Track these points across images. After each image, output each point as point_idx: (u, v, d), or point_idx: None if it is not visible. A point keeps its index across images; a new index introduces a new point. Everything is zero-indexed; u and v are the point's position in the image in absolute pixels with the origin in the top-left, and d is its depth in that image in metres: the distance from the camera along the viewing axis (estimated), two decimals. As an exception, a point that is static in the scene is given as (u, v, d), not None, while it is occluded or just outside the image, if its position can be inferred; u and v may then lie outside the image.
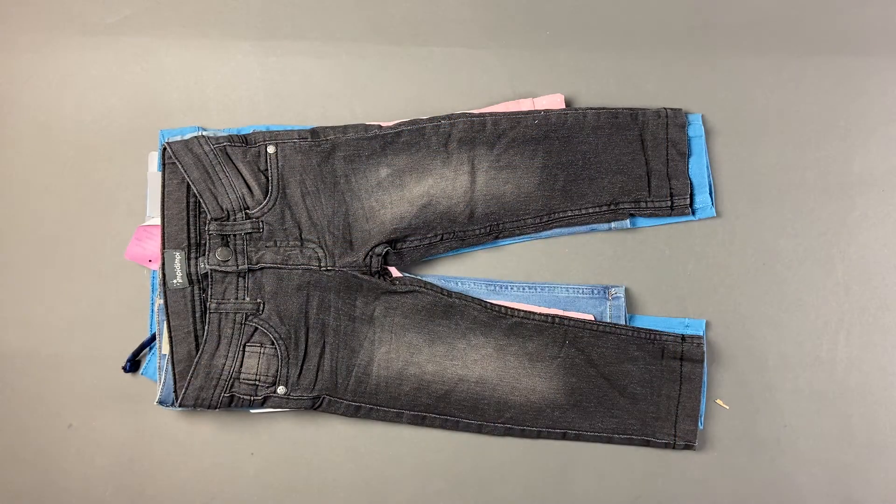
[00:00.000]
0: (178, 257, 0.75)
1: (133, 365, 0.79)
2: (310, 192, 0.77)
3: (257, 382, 0.75)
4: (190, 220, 0.76)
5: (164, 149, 0.75)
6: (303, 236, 0.77)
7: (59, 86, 0.82)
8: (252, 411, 0.78)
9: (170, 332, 0.75)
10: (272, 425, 0.78)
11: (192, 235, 0.76)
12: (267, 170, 0.76)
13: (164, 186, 0.76)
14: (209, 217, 0.75)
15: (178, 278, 0.75)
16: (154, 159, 0.80)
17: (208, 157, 0.75)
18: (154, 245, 0.78)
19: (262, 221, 0.76)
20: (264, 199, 0.76)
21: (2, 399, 0.80)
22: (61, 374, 0.80)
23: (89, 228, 0.81)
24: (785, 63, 0.81)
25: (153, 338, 0.78)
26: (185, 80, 0.82)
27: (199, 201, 0.75)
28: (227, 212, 0.76)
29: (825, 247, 0.80)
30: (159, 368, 0.77)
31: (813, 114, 0.81)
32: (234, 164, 0.76)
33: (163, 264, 0.75)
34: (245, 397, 0.75)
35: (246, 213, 0.76)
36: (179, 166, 0.75)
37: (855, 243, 0.80)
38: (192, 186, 0.75)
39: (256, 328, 0.76)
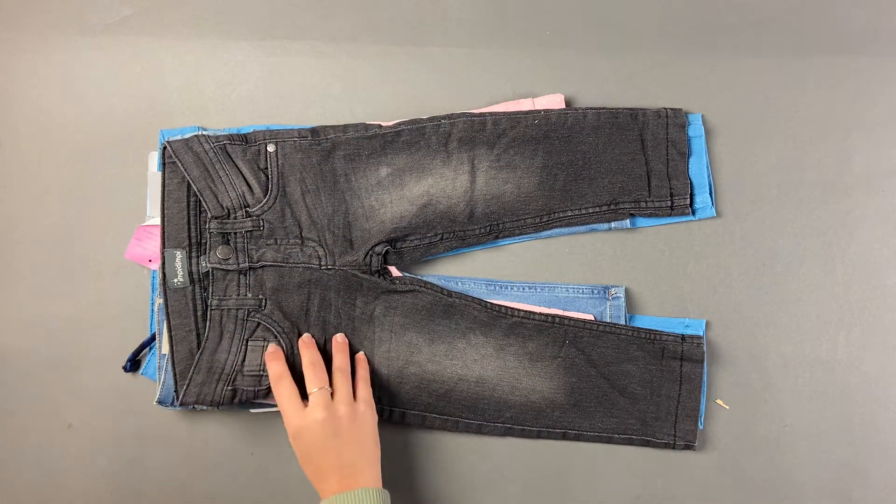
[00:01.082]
0: (178, 256, 0.75)
1: (133, 365, 0.79)
2: (310, 191, 0.77)
3: (261, 373, 0.75)
4: (190, 219, 0.76)
5: (164, 148, 0.75)
6: (303, 234, 0.77)
7: (59, 86, 0.82)
8: (252, 411, 0.78)
9: (170, 331, 0.75)
10: (272, 425, 0.78)
11: (193, 234, 0.76)
12: (267, 168, 0.76)
13: (164, 186, 0.76)
14: (209, 215, 0.75)
15: (180, 277, 0.75)
16: (154, 159, 0.80)
17: (208, 155, 0.75)
18: (154, 245, 0.78)
19: (262, 219, 0.76)
20: (264, 197, 0.76)
21: (2, 399, 0.80)
22: (61, 374, 0.80)
23: (89, 228, 0.81)
24: (785, 63, 0.81)
25: (153, 338, 0.78)
26: (185, 80, 0.82)
27: (200, 200, 0.75)
28: (228, 210, 0.76)
29: (825, 247, 0.80)
30: (159, 368, 0.77)
31: (813, 114, 0.81)
32: (234, 162, 0.76)
33: (163, 264, 0.75)
34: (248, 389, 0.75)
35: (246, 212, 0.76)
36: (179, 165, 0.75)
37: (855, 243, 0.80)
38: (192, 185, 0.75)
39: (259, 323, 0.76)
